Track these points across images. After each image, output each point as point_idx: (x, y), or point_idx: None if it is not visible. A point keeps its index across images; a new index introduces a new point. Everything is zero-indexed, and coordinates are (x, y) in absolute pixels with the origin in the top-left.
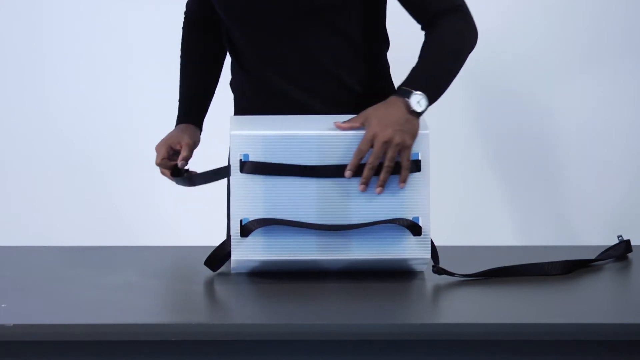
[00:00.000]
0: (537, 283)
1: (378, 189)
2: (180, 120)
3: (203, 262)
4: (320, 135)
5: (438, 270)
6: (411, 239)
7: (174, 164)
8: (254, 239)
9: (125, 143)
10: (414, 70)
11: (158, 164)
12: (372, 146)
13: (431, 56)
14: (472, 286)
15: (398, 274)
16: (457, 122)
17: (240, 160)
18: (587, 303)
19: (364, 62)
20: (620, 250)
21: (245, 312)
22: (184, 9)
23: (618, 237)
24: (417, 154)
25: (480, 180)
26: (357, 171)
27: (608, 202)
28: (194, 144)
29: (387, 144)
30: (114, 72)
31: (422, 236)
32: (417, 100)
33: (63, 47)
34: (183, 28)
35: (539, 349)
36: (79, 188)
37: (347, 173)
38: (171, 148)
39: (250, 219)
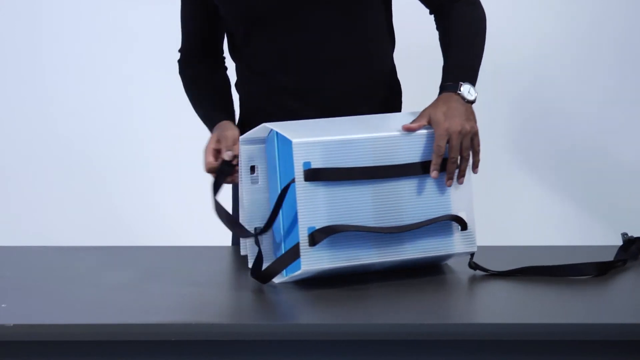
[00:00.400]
0: (542, 284)
1: (461, 179)
2: (213, 124)
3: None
4: (377, 137)
5: (474, 266)
6: (458, 234)
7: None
8: (320, 247)
9: (126, 143)
10: (450, 63)
11: (208, 171)
12: (447, 141)
13: (462, 45)
14: (490, 286)
15: (422, 271)
16: None
17: (304, 168)
18: (587, 303)
19: (376, 59)
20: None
21: (245, 312)
22: (177, 58)
23: (622, 234)
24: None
25: (487, 180)
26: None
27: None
28: (234, 135)
29: (461, 134)
30: (114, 71)
31: (468, 230)
32: (467, 90)
33: (62, 47)
34: (183, 72)
35: (539, 349)
36: (79, 188)
37: (434, 173)
38: (216, 151)
39: (317, 227)
